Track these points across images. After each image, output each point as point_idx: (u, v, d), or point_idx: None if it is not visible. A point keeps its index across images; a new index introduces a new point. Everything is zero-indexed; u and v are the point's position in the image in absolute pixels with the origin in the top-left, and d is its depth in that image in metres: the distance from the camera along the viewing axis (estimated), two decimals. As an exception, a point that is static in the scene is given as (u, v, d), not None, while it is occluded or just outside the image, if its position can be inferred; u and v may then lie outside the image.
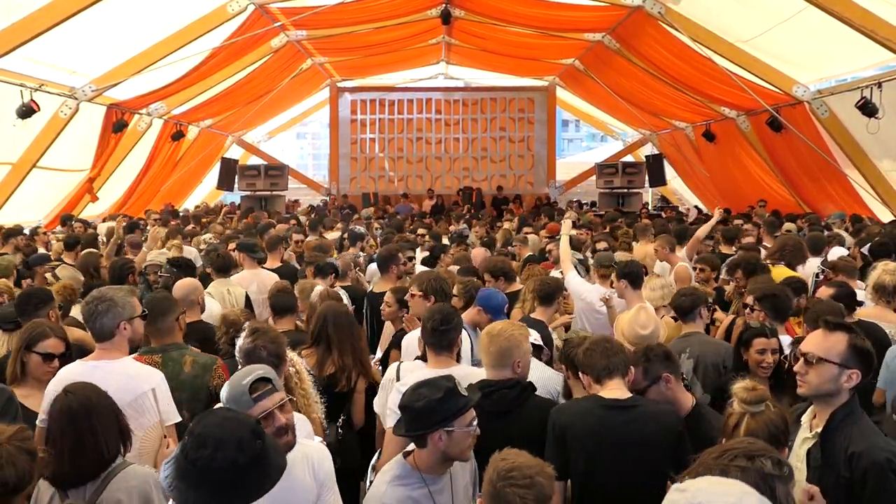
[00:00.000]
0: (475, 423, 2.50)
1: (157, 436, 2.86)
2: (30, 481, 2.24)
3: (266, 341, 2.93)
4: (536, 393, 3.17)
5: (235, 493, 1.92)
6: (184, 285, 4.55)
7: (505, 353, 3.04)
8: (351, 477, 3.78)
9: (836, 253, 6.41)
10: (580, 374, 3.08)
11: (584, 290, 5.42)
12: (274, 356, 2.91)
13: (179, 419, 3.13)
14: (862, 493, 2.33)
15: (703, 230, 7.10)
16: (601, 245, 7.02)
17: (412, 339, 4.07)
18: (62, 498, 2.51)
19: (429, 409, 2.43)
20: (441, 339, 3.30)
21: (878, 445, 2.37)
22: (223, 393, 2.43)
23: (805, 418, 2.62)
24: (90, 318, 3.17)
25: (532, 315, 4.55)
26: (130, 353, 3.37)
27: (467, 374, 3.25)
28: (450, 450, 2.47)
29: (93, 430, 2.53)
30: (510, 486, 2.03)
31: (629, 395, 2.92)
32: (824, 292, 4.51)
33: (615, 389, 2.91)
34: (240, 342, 3.00)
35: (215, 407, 2.50)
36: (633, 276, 4.78)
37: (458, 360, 3.48)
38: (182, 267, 5.64)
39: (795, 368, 2.54)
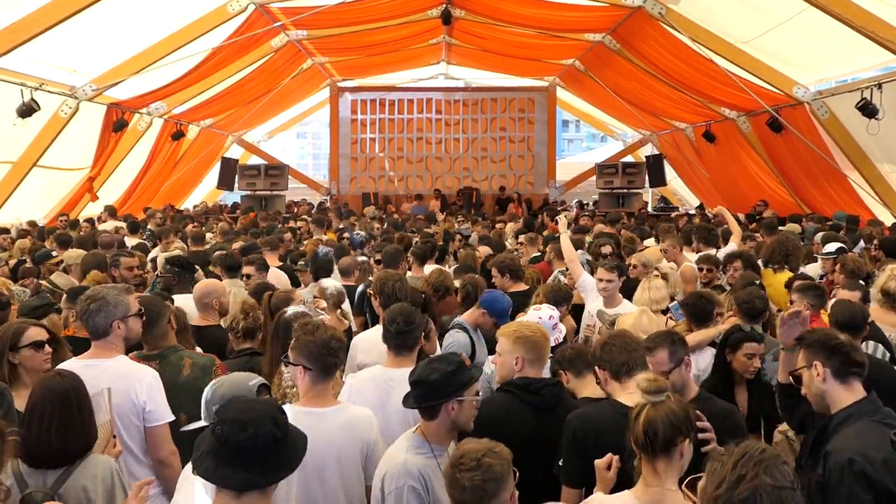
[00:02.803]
0: (479, 394, 2.72)
1: (107, 434, 2.85)
2: None
3: (334, 335, 2.90)
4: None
5: (278, 466, 2.08)
6: (201, 287, 4.57)
7: (543, 353, 3.14)
8: None
9: (829, 248, 6.36)
10: (597, 368, 3.02)
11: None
12: (338, 354, 2.91)
13: (172, 418, 3.13)
14: (827, 494, 2.33)
15: (735, 227, 7.03)
16: (606, 249, 6.98)
17: (365, 339, 4.06)
18: (21, 487, 2.51)
19: (444, 381, 2.61)
20: (405, 340, 3.34)
21: (850, 446, 2.33)
22: (215, 394, 2.50)
23: None
24: (84, 317, 3.18)
25: None
26: (127, 353, 3.36)
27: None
28: (459, 419, 2.66)
29: (81, 412, 2.60)
30: (460, 470, 2.16)
31: None
32: (846, 294, 4.47)
33: (635, 394, 2.77)
34: (299, 338, 2.89)
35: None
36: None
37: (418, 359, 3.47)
38: (182, 266, 5.62)
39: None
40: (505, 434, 2.60)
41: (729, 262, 5.78)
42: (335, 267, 6.09)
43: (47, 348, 3.24)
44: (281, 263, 7.01)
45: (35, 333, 3.26)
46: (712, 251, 6.62)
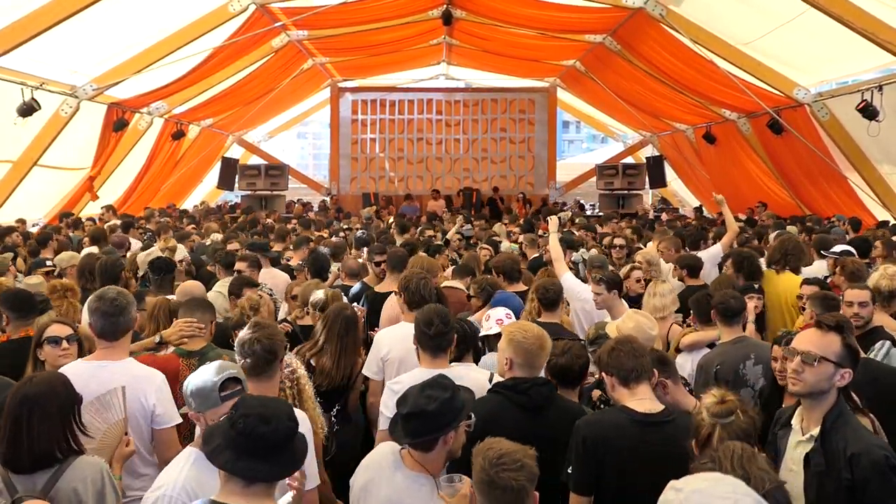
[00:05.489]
0: (472, 417, 2.57)
1: (118, 433, 2.86)
2: None
3: (262, 335, 2.95)
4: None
5: (292, 460, 2.16)
6: (188, 287, 4.63)
7: (538, 353, 3.08)
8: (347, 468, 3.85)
9: (836, 249, 6.37)
10: (604, 374, 2.95)
11: (581, 290, 5.25)
12: (267, 351, 2.93)
13: (180, 420, 3.15)
14: (864, 494, 2.33)
15: (731, 223, 6.98)
16: (618, 241, 7.06)
17: (389, 335, 4.06)
18: (10, 490, 2.49)
19: (442, 410, 2.44)
20: (442, 342, 3.33)
21: (875, 444, 2.43)
22: (189, 384, 2.54)
23: (795, 421, 2.61)
24: (111, 316, 3.12)
25: (539, 319, 4.51)
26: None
27: (463, 374, 3.26)
28: (454, 446, 2.52)
29: (50, 418, 2.53)
30: (503, 471, 2.11)
31: (660, 406, 2.83)
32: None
33: (645, 400, 2.81)
34: (241, 334, 3.06)
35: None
36: (622, 285, 4.81)
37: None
38: (161, 269, 5.49)
39: (791, 367, 2.53)
40: (495, 435, 2.56)
41: (723, 262, 5.82)
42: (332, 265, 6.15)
43: (64, 344, 3.28)
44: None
45: (53, 329, 3.33)
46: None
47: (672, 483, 1.68)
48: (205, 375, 2.53)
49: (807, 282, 5.07)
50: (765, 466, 1.83)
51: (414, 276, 4.31)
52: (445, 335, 3.33)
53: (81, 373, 3.00)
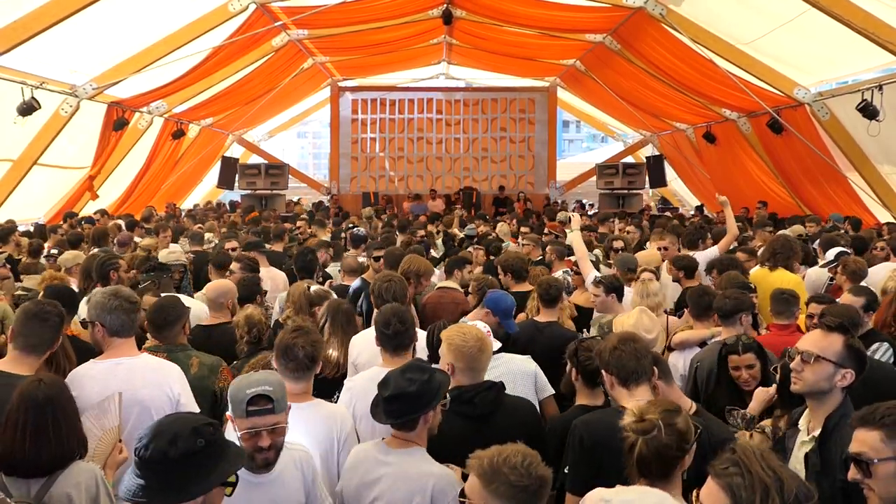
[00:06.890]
0: (448, 397, 2.71)
1: (112, 439, 2.83)
2: None
3: (306, 342, 2.96)
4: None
5: (165, 486, 1.97)
6: (215, 286, 4.62)
7: (478, 357, 3.03)
8: None
9: (833, 252, 6.36)
10: (603, 372, 2.91)
11: None
12: (309, 358, 2.95)
13: (198, 409, 3.15)
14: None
15: (732, 226, 6.96)
16: (618, 244, 7.06)
17: (363, 338, 4.02)
18: (5, 494, 2.46)
19: (422, 391, 2.56)
20: (403, 340, 3.35)
21: None
22: (230, 389, 2.54)
23: (802, 422, 2.63)
24: (130, 312, 3.17)
25: (537, 318, 4.49)
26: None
27: None
28: (433, 424, 2.63)
29: (57, 421, 2.51)
30: (532, 467, 2.05)
31: None
32: (848, 299, 4.36)
33: (644, 401, 2.76)
34: (279, 337, 3.05)
35: None
36: (621, 289, 4.81)
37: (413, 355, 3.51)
38: (156, 270, 5.47)
39: (791, 366, 2.57)
40: (440, 448, 2.66)
41: (708, 270, 5.76)
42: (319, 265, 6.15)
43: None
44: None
45: None
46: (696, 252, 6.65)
47: (601, 493, 1.74)
48: (242, 384, 2.49)
49: (815, 300, 4.95)
50: (793, 473, 1.84)
51: (379, 280, 4.33)
52: (403, 334, 3.34)
53: (96, 372, 3.03)
